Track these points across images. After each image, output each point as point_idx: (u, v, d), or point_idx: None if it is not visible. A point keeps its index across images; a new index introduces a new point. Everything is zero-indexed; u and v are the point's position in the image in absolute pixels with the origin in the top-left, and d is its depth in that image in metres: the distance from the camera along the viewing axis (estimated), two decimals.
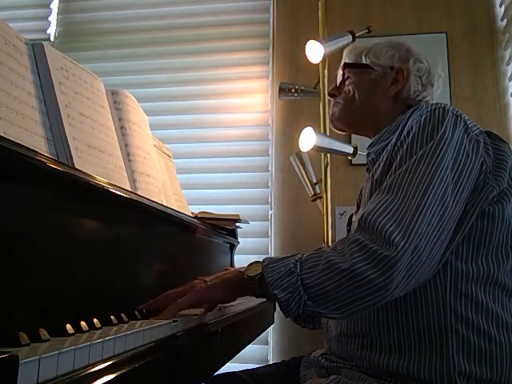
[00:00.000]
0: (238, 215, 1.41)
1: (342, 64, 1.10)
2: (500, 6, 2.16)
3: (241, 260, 1.63)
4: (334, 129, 1.12)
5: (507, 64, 2.11)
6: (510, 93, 2.07)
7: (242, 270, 0.82)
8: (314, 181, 1.88)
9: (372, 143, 1.02)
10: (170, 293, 0.84)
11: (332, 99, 1.11)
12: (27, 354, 0.42)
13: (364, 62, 1.05)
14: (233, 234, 1.52)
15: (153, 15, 2.49)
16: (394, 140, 0.88)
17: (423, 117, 0.83)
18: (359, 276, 0.70)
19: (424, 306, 0.79)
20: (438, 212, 0.74)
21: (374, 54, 1.04)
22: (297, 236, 2.15)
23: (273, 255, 2.17)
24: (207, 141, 2.33)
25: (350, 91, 1.05)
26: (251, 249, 2.13)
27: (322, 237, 1.84)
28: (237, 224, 1.46)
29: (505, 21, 2.12)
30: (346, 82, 1.07)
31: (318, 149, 1.76)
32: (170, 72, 2.42)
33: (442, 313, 0.77)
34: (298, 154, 1.90)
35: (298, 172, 1.93)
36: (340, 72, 1.09)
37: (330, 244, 1.83)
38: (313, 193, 1.89)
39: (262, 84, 2.36)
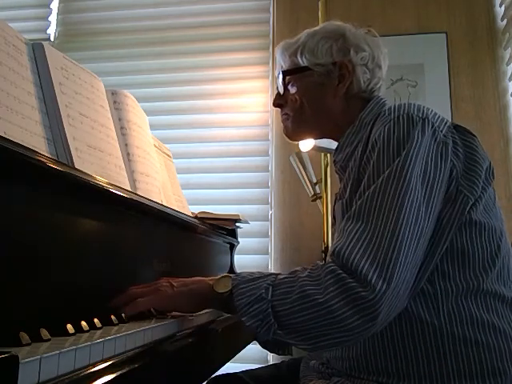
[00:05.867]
0: (237, 215, 1.41)
1: (278, 70, 0.99)
2: (500, 5, 2.16)
3: (241, 260, 1.63)
4: (293, 142, 1.03)
5: (507, 64, 2.11)
6: (510, 93, 2.07)
7: (211, 283, 0.77)
8: (314, 181, 1.88)
9: (337, 149, 0.95)
10: (133, 291, 0.79)
11: (279, 110, 1.00)
12: (28, 354, 0.42)
13: (302, 63, 0.94)
14: (233, 234, 1.52)
15: (153, 15, 2.49)
16: (360, 147, 0.83)
17: (387, 127, 0.76)
18: (334, 313, 0.67)
19: (420, 331, 0.75)
20: (414, 237, 0.69)
21: (310, 51, 0.93)
22: (297, 236, 2.15)
23: (273, 255, 2.17)
24: (207, 141, 2.33)
25: (296, 100, 0.95)
26: (251, 249, 2.13)
27: (322, 237, 1.84)
28: (237, 224, 1.46)
29: (505, 21, 2.11)
30: (290, 90, 0.96)
31: (318, 149, 1.76)
32: (170, 72, 2.42)
33: (439, 335, 0.74)
34: (298, 154, 1.90)
35: (297, 172, 1.93)
36: (279, 79, 0.98)
37: (329, 244, 1.83)
38: (313, 193, 1.89)
39: (262, 84, 2.35)
